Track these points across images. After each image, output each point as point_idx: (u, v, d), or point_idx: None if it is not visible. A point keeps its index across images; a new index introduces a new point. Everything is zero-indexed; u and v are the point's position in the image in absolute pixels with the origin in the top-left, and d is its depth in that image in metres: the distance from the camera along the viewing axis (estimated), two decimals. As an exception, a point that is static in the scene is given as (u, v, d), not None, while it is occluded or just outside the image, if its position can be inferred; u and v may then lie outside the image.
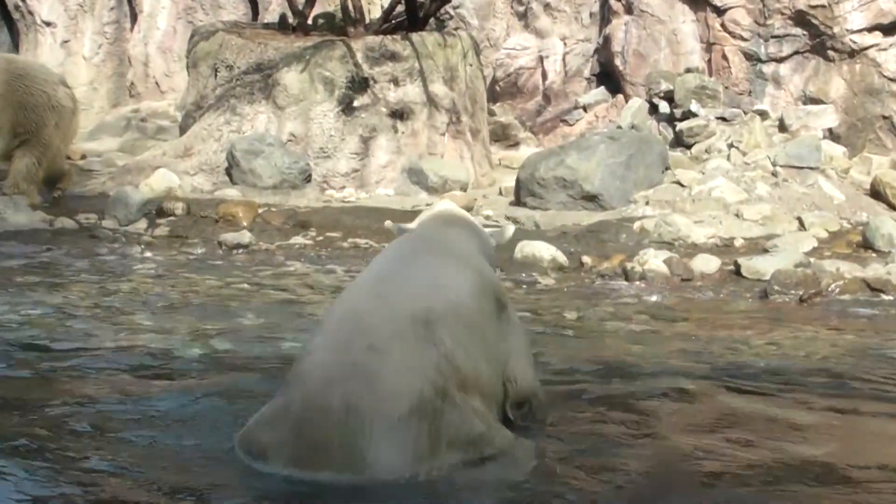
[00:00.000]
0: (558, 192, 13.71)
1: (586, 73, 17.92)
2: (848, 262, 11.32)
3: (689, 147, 15.26)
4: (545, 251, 11.64)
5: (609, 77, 17.59)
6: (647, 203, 13.60)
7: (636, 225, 12.82)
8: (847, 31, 16.06)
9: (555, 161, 13.88)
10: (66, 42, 21.19)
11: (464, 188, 14.67)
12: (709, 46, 16.84)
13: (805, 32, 16.29)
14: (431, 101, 15.06)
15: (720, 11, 16.70)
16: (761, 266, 11.16)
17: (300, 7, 16.19)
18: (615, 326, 9.16)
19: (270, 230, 12.56)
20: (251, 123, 14.82)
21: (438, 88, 15.17)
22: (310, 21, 16.29)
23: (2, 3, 21.51)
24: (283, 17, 16.62)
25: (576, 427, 5.93)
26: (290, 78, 14.75)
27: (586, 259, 11.61)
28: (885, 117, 15.93)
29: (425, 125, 15.03)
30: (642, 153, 14.14)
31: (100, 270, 10.64)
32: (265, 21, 18.59)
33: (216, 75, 15.29)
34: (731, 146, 14.88)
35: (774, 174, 14.09)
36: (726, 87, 16.37)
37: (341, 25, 15.78)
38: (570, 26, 18.07)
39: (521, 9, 18.46)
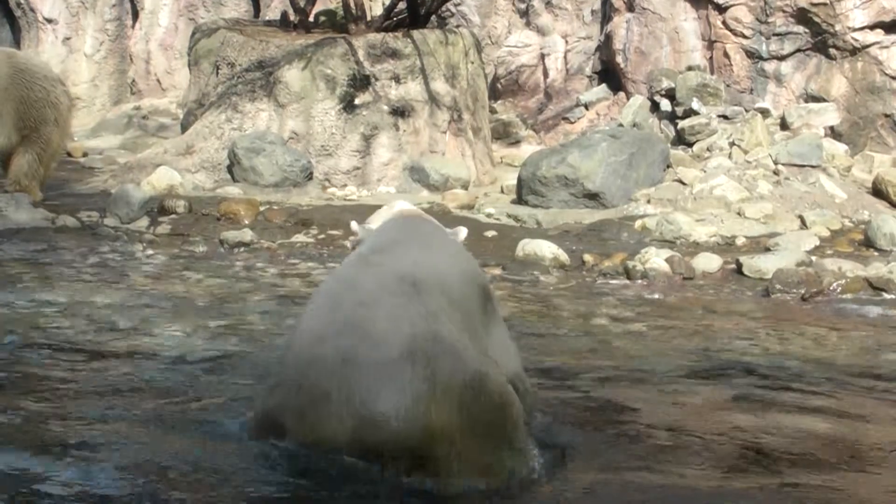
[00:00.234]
0: (560, 190, 13.71)
1: (588, 70, 17.92)
2: (850, 261, 11.32)
3: (690, 145, 15.25)
4: (547, 249, 11.64)
5: (610, 75, 17.59)
6: (648, 201, 13.60)
7: (638, 223, 12.83)
8: (849, 28, 16.06)
9: (556, 159, 13.88)
10: (67, 39, 21.23)
11: (465, 186, 14.67)
12: (710, 44, 16.83)
13: (807, 30, 16.29)
14: (433, 99, 15.06)
15: (722, 9, 16.69)
16: (763, 265, 11.16)
17: (301, 4, 16.18)
18: (616, 325, 9.16)
19: (272, 228, 12.56)
20: (253, 121, 14.81)
21: (440, 86, 15.17)
22: (311, 18, 16.29)
23: (3, 1, 21.53)
24: (284, 14, 16.62)
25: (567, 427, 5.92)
26: (292, 75, 14.75)
27: (588, 257, 11.61)
28: (886, 115, 15.94)
29: (427, 123, 15.02)
30: (644, 151, 14.15)
31: (101, 268, 10.63)
32: (267, 18, 18.60)
33: (218, 73, 15.28)
34: (732, 144, 14.87)
35: (776, 172, 14.09)
36: (728, 85, 16.37)
37: (343, 23, 15.77)
38: (572, 24, 18.08)
39: (523, 6, 18.47)
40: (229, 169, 14.42)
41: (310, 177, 14.39)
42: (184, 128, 15.93)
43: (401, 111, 14.87)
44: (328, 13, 16.63)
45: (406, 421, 4.81)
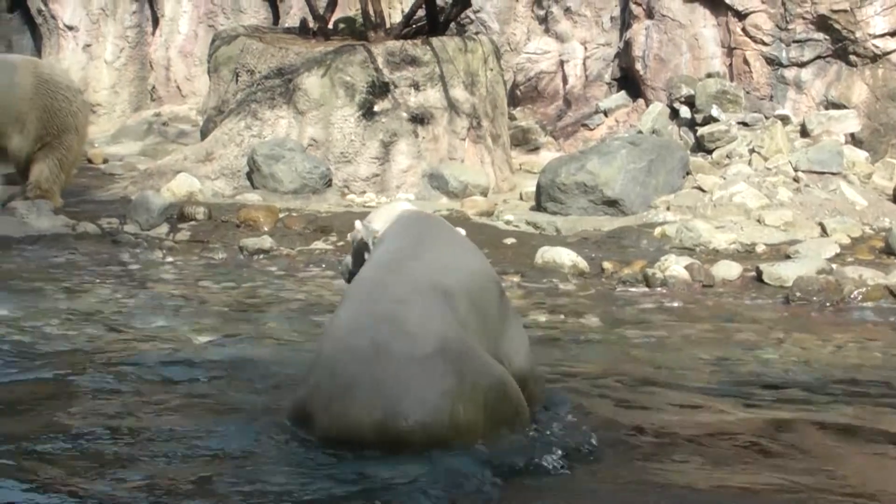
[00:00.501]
0: (579, 197, 13.69)
1: (607, 77, 17.90)
2: (871, 269, 11.26)
3: (710, 152, 15.22)
4: (566, 257, 11.62)
5: (630, 82, 17.57)
6: (667, 208, 13.57)
7: (657, 230, 12.80)
8: (869, 35, 16.01)
9: (575, 166, 13.86)
10: (88, 46, 21.30)
11: (484, 193, 14.66)
12: (730, 51, 16.80)
13: (827, 37, 16.24)
14: (452, 106, 15.06)
15: (741, 16, 16.66)
16: (783, 272, 11.12)
17: (321, 12, 16.21)
18: (635, 334, 9.13)
19: (291, 235, 12.57)
20: (272, 128, 14.84)
21: (459, 93, 15.17)
22: (330, 26, 16.31)
23: (24, 8, 21.62)
24: (303, 21, 16.64)
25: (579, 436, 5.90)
26: (311, 83, 14.77)
27: (607, 265, 11.58)
28: (907, 122, 15.89)
29: (446, 130, 15.02)
30: (663, 158, 14.12)
31: (121, 275, 10.66)
32: (286, 25, 18.62)
33: (237, 80, 15.31)
34: (752, 151, 14.84)
35: (796, 179, 14.05)
36: (747, 92, 16.34)
37: (362, 30, 15.79)
38: (591, 31, 18.06)
39: (542, 13, 18.46)
40: (249, 176, 14.44)
41: (329, 184, 14.41)
42: (203, 134, 15.96)
43: (420, 118, 14.87)
44: (347, 20, 16.66)
45: (433, 414, 4.99)
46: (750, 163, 14.62)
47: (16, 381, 6.72)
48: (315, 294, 10.30)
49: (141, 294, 9.85)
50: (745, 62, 16.63)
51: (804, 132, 15.55)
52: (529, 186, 14.73)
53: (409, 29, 15.88)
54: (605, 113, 17.45)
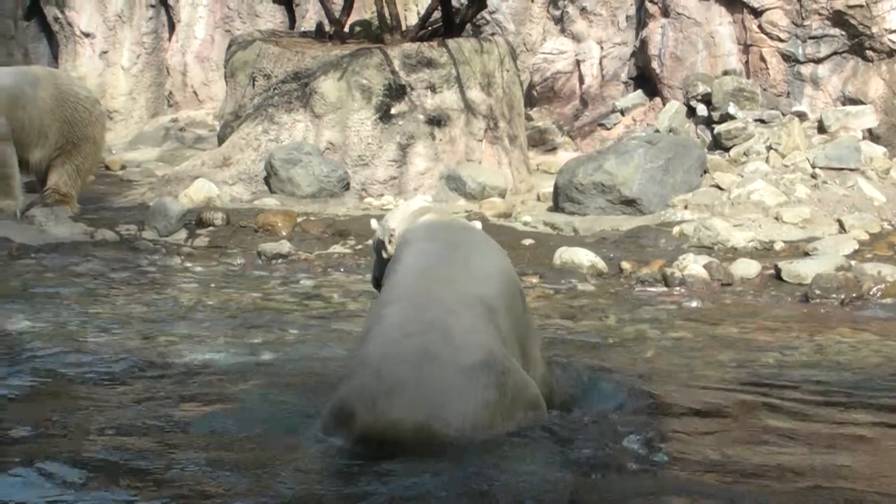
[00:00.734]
0: (597, 197, 13.69)
1: (623, 76, 17.90)
2: (889, 265, 11.24)
3: (727, 150, 15.21)
4: (584, 257, 11.62)
5: (646, 80, 17.56)
6: (685, 207, 13.56)
7: (675, 229, 12.79)
8: (885, 30, 15.97)
9: (593, 166, 13.86)
10: (104, 53, 21.39)
11: (502, 194, 14.67)
12: (746, 48, 16.78)
13: (843, 33, 16.22)
14: (469, 108, 15.07)
15: (757, 13, 16.64)
16: (802, 270, 11.10)
17: (337, 15, 16.23)
18: (655, 334, 9.11)
19: (310, 239, 12.59)
20: (289, 132, 14.87)
21: (476, 94, 15.18)
22: (346, 29, 16.34)
23: (41, 16, 21.70)
24: (319, 25, 16.67)
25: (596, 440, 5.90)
26: (328, 86, 14.79)
27: (625, 265, 11.58)
28: (925, 117, 15.85)
29: (463, 132, 15.03)
30: (680, 157, 14.11)
31: (140, 282, 10.69)
32: (302, 29, 18.66)
33: (254, 84, 15.34)
34: (769, 148, 14.81)
35: (814, 176, 14.02)
36: (764, 89, 16.32)
37: (378, 33, 15.81)
38: (607, 30, 18.06)
39: (558, 13, 18.46)
40: (266, 180, 14.48)
41: (346, 187, 14.44)
42: (221, 140, 16.00)
43: (437, 120, 14.88)
44: (363, 23, 16.69)
45: (472, 423, 5.09)
46: (767, 160, 14.60)
47: (39, 387, 6.76)
48: (334, 299, 10.29)
49: (161, 300, 9.87)
50: (762, 59, 16.61)
51: (821, 128, 15.52)
52: (547, 187, 14.73)
53: (425, 31, 15.89)
54: (622, 112, 17.44)
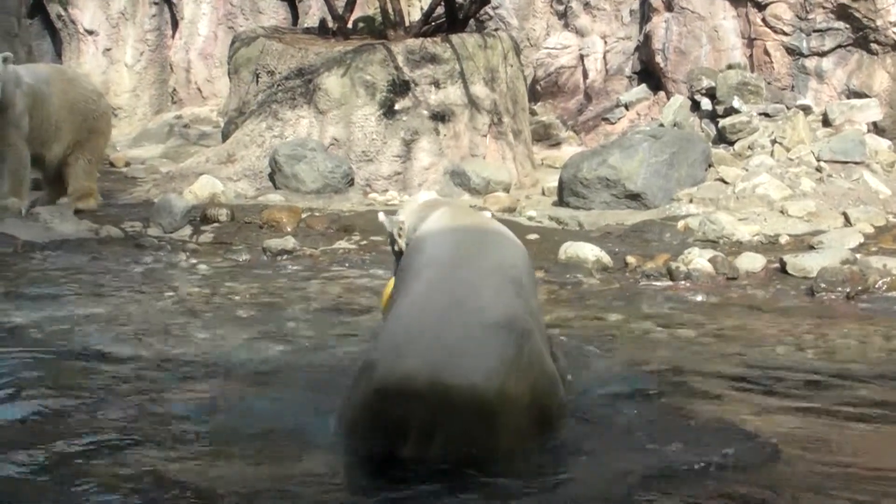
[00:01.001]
0: (601, 191, 13.69)
1: (627, 71, 17.89)
2: (895, 258, 11.22)
3: (731, 144, 15.20)
4: (589, 252, 11.59)
5: (650, 75, 17.55)
6: (690, 201, 13.55)
7: (680, 224, 12.77)
8: (890, 23, 15.96)
9: (597, 160, 13.86)
10: (108, 50, 21.38)
11: (506, 189, 14.67)
12: (750, 42, 16.77)
13: (847, 26, 16.20)
14: (472, 103, 15.07)
15: (761, 6, 16.63)
16: (807, 263, 11.07)
17: (340, 11, 16.23)
18: (660, 328, 9.09)
19: (314, 235, 12.58)
20: (293, 128, 14.87)
21: (479, 90, 15.17)
22: (350, 25, 16.34)
23: (44, 13, 21.70)
24: (322, 21, 16.66)
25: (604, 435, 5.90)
26: (332, 82, 14.79)
27: (630, 259, 11.55)
28: (930, 110, 15.83)
29: (467, 127, 15.03)
30: (685, 151, 14.10)
31: (146, 278, 10.68)
32: (305, 26, 18.65)
33: (258, 81, 15.35)
34: (774, 142, 14.81)
35: (819, 169, 14.02)
36: (768, 83, 16.31)
37: (381, 29, 15.81)
38: (611, 24, 18.05)
39: (561, 8, 18.45)
40: (271, 176, 14.48)
41: (351, 183, 14.44)
42: (225, 136, 16.00)
43: (441, 116, 14.88)
44: (367, 19, 16.69)
45: (486, 378, 5.12)
46: (772, 154, 14.59)
47: (41, 383, 6.76)
48: (339, 294, 10.29)
49: (164, 297, 9.87)
50: (766, 53, 16.59)
51: (826, 122, 15.51)
52: (551, 182, 14.73)
53: (429, 27, 15.89)
54: (626, 106, 17.44)
